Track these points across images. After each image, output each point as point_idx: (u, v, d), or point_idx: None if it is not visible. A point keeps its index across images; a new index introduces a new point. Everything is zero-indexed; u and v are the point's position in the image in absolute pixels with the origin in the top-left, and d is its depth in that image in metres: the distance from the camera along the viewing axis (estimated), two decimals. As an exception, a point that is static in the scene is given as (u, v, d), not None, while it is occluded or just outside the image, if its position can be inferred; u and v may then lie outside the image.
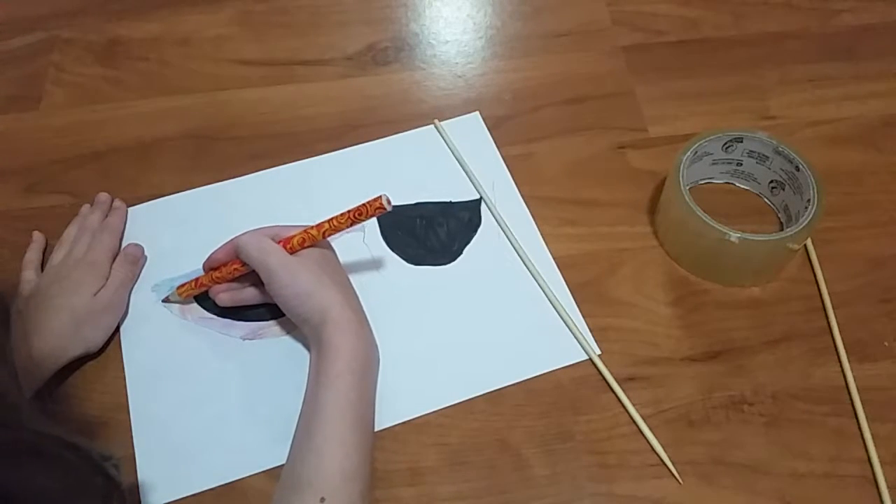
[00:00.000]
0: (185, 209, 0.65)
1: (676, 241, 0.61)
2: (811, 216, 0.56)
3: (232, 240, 0.56)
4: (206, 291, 0.59)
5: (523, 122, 0.71)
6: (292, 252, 0.54)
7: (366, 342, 0.52)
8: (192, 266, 0.61)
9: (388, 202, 0.52)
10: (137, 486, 0.51)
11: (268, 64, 0.76)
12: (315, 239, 0.54)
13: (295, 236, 0.54)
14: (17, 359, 0.51)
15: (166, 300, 0.60)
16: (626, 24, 0.78)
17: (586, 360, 0.56)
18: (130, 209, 0.65)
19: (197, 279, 0.58)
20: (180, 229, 0.64)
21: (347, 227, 0.54)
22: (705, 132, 0.61)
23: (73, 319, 0.54)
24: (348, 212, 0.53)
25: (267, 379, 0.56)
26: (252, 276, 0.56)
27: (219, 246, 0.57)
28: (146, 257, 0.62)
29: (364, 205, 0.53)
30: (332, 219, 0.54)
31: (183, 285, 0.59)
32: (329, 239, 0.56)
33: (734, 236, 0.55)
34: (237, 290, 0.58)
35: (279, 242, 0.54)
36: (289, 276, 0.52)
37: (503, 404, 0.54)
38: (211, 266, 0.58)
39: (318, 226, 0.54)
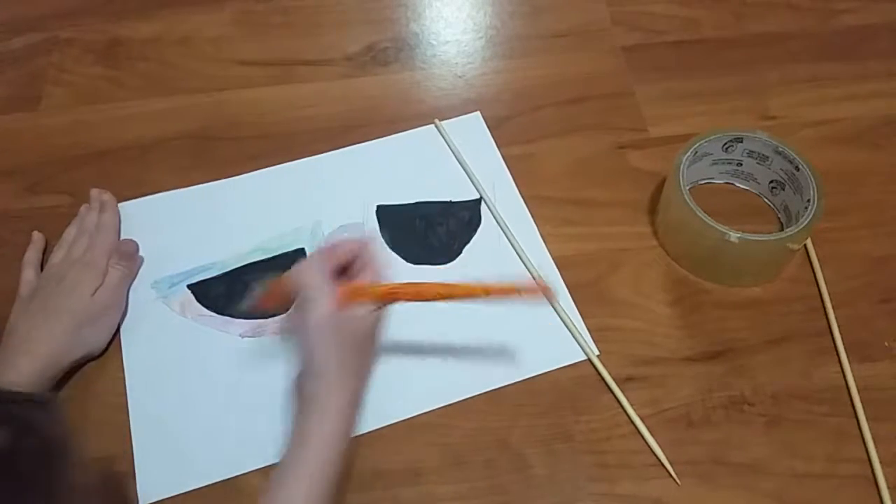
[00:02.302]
0: (185, 206, 0.65)
1: (676, 241, 0.61)
2: (811, 216, 0.56)
3: (335, 246, 0.49)
4: (209, 289, 0.59)
5: (523, 122, 0.71)
6: (345, 301, 0.45)
7: (344, 429, 0.45)
8: (192, 263, 0.61)
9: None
10: (135, 483, 0.51)
11: (268, 64, 0.76)
12: (392, 298, 0.46)
13: (367, 289, 0.46)
14: (21, 364, 0.51)
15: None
16: (626, 24, 0.78)
17: (585, 360, 0.56)
18: (131, 203, 0.65)
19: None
20: (181, 226, 0.64)
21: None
22: (705, 132, 0.61)
23: (73, 321, 0.54)
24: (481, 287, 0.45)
25: (265, 376, 0.56)
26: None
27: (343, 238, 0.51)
28: (142, 258, 0.62)
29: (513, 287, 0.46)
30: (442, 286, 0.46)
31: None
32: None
33: (734, 236, 0.55)
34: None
35: (346, 288, 0.46)
36: (308, 344, 0.45)
37: (503, 404, 0.54)
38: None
39: (415, 288, 0.47)
